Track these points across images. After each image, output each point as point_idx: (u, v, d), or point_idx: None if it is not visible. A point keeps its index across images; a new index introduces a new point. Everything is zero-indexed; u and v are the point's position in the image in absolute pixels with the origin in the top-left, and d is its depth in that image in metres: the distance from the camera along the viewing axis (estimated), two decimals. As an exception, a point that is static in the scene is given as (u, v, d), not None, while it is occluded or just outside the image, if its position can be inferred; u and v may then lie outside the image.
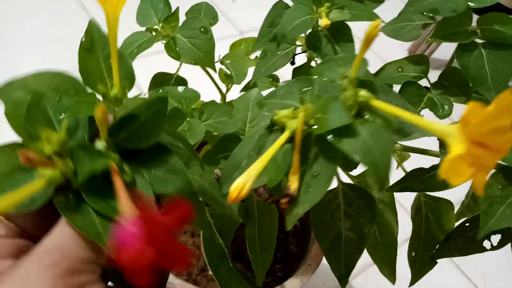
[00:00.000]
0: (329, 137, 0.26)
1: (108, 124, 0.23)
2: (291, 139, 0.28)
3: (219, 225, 0.40)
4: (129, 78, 0.27)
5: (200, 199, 0.34)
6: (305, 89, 0.30)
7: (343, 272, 0.34)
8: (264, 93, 0.48)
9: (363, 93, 0.26)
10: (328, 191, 0.35)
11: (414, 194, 0.46)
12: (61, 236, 0.22)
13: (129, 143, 0.23)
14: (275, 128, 0.29)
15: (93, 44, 0.26)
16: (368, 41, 0.26)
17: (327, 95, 0.28)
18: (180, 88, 0.41)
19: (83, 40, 0.26)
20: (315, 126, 0.27)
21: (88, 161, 0.21)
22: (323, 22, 0.40)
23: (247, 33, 1.36)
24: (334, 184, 0.35)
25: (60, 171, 0.21)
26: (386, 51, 1.22)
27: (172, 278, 0.57)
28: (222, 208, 0.33)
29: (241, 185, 0.25)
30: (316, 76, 0.30)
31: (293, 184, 0.27)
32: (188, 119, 0.39)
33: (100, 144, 0.23)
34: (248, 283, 0.42)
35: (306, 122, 0.27)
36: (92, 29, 0.27)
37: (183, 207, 0.20)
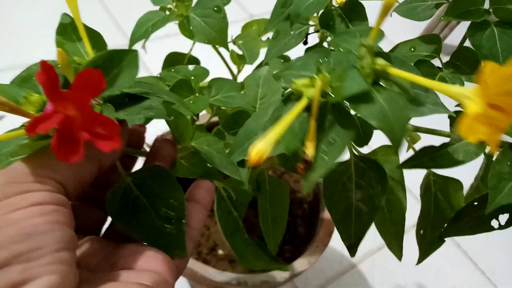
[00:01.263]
0: (347, 103, 0.26)
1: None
2: (307, 109, 0.28)
3: (232, 198, 0.41)
4: (99, 45, 0.30)
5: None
6: (322, 60, 0.31)
7: (352, 241, 0.35)
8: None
9: (380, 61, 0.27)
10: (340, 162, 0.36)
11: (419, 179, 0.46)
12: None
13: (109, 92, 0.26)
14: (291, 98, 0.30)
15: (66, 29, 0.30)
16: (386, 9, 0.27)
17: (344, 64, 0.28)
18: (191, 67, 0.42)
19: (58, 28, 0.31)
20: (333, 95, 0.27)
21: None
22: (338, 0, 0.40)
23: (257, 17, 1.36)
24: (347, 156, 0.36)
25: None
26: (397, 33, 1.23)
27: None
28: (233, 174, 0.34)
29: (261, 149, 0.25)
30: (332, 48, 0.31)
31: (309, 150, 0.27)
32: (196, 94, 0.40)
33: None
34: (264, 252, 0.43)
35: (323, 91, 0.28)
36: (63, 19, 0.31)
37: (88, 73, 0.21)
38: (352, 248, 0.35)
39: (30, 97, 0.25)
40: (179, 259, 0.30)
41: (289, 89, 0.30)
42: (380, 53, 0.30)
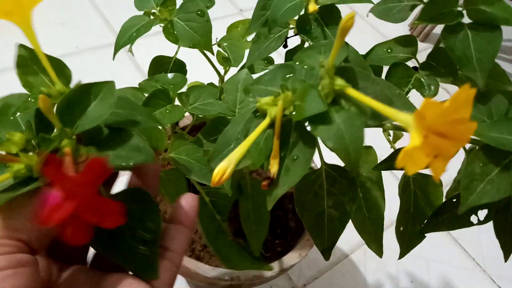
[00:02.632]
0: (306, 124, 0.27)
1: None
2: (273, 125, 0.30)
3: (215, 202, 0.42)
4: (64, 74, 0.31)
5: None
6: (288, 76, 0.32)
7: (326, 246, 0.36)
8: (259, 75, 0.50)
9: (339, 81, 0.28)
10: (311, 171, 0.37)
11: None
12: None
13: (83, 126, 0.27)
14: (258, 114, 0.31)
15: (25, 61, 0.31)
16: (343, 32, 0.27)
17: (306, 82, 0.29)
18: (170, 75, 0.43)
19: (17, 61, 0.31)
20: (294, 113, 0.28)
21: (45, 149, 0.25)
22: (311, 7, 0.41)
23: (247, 12, 1.37)
24: (318, 164, 0.37)
25: (24, 165, 0.25)
26: (387, 27, 1.22)
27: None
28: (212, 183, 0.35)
29: (223, 169, 0.27)
30: (298, 63, 0.32)
31: (273, 167, 0.29)
32: (173, 103, 0.41)
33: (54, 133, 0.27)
34: (248, 254, 0.45)
35: (286, 109, 0.29)
36: (20, 51, 0.31)
37: (97, 163, 0.22)
38: (326, 252, 0.37)
39: (13, 137, 0.25)
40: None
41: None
42: (345, 68, 0.31)
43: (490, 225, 0.46)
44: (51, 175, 0.21)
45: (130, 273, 0.30)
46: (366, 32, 1.38)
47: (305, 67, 0.31)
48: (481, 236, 0.95)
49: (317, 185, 0.36)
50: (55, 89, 0.28)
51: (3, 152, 0.25)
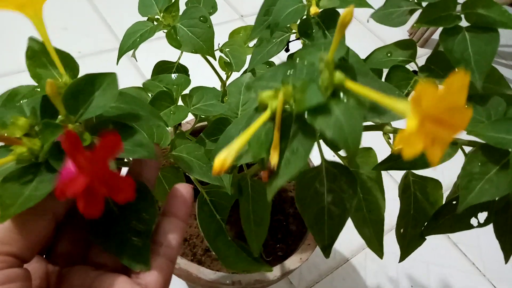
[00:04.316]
0: (306, 115, 0.28)
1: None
2: (274, 118, 0.30)
3: (215, 202, 0.43)
4: (71, 68, 0.32)
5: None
6: (289, 72, 0.32)
7: (326, 243, 0.36)
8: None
9: (338, 75, 0.28)
10: (312, 168, 0.38)
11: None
12: None
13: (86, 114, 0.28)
14: (260, 108, 0.32)
15: (35, 53, 0.32)
16: (342, 27, 0.28)
17: (307, 77, 0.30)
18: (174, 76, 0.44)
19: (27, 52, 0.32)
20: (294, 106, 0.29)
21: (49, 134, 0.26)
22: (312, 10, 0.42)
23: (247, 18, 1.39)
24: (318, 161, 0.38)
25: (27, 148, 0.26)
26: (387, 32, 1.23)
27: (177, 259, 0.60)
28: (213, 181, 0.35)
29: (223, 158, 0.27)
30: (298, 60, 0.33)
31: (273, 158, 0.29)
32: (176, 104, 0.42)
33: (59, 119, 0.27)
34: (247, 254, 0.45)
35: (287, 102, 0.30)
36: (31, 43, 0.32)
37: (110, 139, 0.23)
38: (326, 249, 0.37)
39: (17, 121, 0.26)
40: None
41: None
42: (345, 66, 0.32)
43: (489, 228, 0.46)
44: (68, 150, 0.22)
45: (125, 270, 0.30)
46: (365, 37, 1.40)
47: (306, 63, 0.32)
48: (481, 239, 0.95)
49: (317, 181, 0.36)
50: (62, 82, 0.29)
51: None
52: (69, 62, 0.31)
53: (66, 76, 0.30)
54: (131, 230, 0.29)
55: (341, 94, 0.29)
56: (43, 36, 0.29)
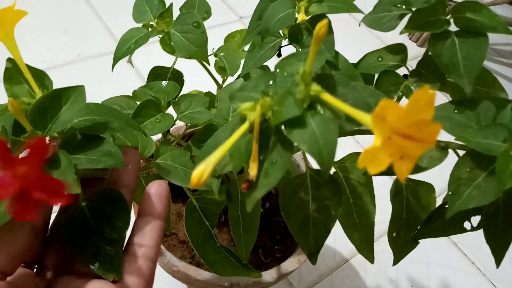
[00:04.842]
0: (283, 128, 0.28)
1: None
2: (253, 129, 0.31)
3: (204, 208, 0.43)
4: (44, 84, 0.33)
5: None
6: (270, 82, 0.33)
7: (312, 250, 0.37)
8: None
9: (314, 87, 0.29)
10: (296, 176, 0.38)
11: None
12: None
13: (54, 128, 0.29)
14: (241, 119, 0.32)
15: (12, 73, 0.33)
16: (317, 39, 0.28)
17: (285, 89, 0.30)
18: (164, 83, 0.45)
19: (5, 74, 0.33)
20: (272, 118, 0.29)
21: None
22: (300, 17, 0.42)
23: (246, 19, 1.38)
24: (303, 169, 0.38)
25: None
26: (386, 33, 1.22)
27: (176, 261, 0.60)
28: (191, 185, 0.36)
29: (201, 171, 0.28)
30: (278, 71, 0.33)
31: (252, 170, 0.29)
32: (164, 112, 0.42)
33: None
34: (236, 260, 0.45)
35: (266, 114, 0.30)
36: (7, 64, 0.33)
37: (39, 144, 0.23)
38: (313, 256, 0.37)
39: None
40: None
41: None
42: (324, 75, 0.32)
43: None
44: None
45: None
46: (365, 38, 1.39)
47: (285, 74, 0.32)
48: (481, 239, 0.94)
49: (302, 190, 0.36)
50: (36, 98, 0.30)
51: None
52: (42, 79, 0.32)
53: (39, 93, 0.30)
54: (104, 239, 0.30)
55: (318, 106, 0.29)
56: (15, 56, 0.30)
